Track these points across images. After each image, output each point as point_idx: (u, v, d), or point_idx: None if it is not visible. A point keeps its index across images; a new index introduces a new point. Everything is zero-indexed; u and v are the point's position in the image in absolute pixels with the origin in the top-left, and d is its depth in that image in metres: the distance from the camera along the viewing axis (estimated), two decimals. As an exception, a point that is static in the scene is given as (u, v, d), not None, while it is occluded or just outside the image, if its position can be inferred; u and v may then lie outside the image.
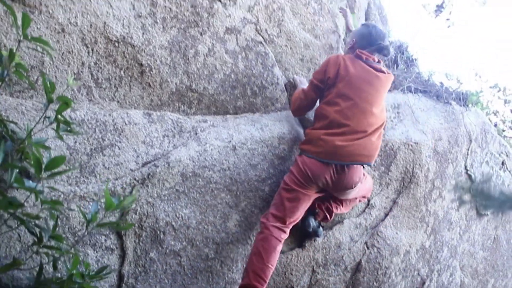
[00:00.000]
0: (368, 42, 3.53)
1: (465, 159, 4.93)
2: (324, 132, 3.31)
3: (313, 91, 3.50)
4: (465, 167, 4.95)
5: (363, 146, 3.30)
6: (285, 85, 3.84)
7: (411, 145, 4.27)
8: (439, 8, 7.91)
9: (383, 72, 3.49)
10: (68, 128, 2.26)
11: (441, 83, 4.98)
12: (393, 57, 5.01)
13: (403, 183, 4.31)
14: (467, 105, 4.94)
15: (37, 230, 2.10)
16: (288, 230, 3.34)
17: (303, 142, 3.46)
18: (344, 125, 3.29)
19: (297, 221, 3.40)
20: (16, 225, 2.16)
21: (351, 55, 3.50)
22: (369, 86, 3.38)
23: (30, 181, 2.08)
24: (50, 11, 2.78)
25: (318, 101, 3.54)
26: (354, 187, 3.38)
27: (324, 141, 3.27)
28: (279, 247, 3.27)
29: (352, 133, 3.28)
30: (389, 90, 4.41)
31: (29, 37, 2.29)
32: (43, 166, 1.98)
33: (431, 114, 4.69)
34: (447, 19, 7.82)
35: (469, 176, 4.99)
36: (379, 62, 3.54)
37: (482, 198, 2.34)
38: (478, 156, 5.10)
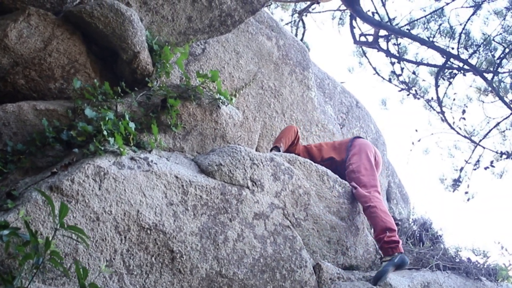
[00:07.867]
0: None
1: None
2: None
3: None
4: None
5: None
6: (313, 267, 3.60)
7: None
8: (456, 182, 7.88)
9: None
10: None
11: (468, 258, 4.70)
12: (418, 235, 4.85)
13: None
14: (497, 280, 4.60)
15: None
16: None
17: None
18: None
19: None
20: None
21: None
22: None
23: None
24: (87, 201, 2.74)
25: None
26: None
27: None
28: None
29: None
30: (417, 269, 4.15)
31: (65, 226, 2.23)
32: None
33: (462, 291, 4.33)
34: (466, 192, 7.69)
35: None
36: None
37: None
38: (515, 336, 4.61)
